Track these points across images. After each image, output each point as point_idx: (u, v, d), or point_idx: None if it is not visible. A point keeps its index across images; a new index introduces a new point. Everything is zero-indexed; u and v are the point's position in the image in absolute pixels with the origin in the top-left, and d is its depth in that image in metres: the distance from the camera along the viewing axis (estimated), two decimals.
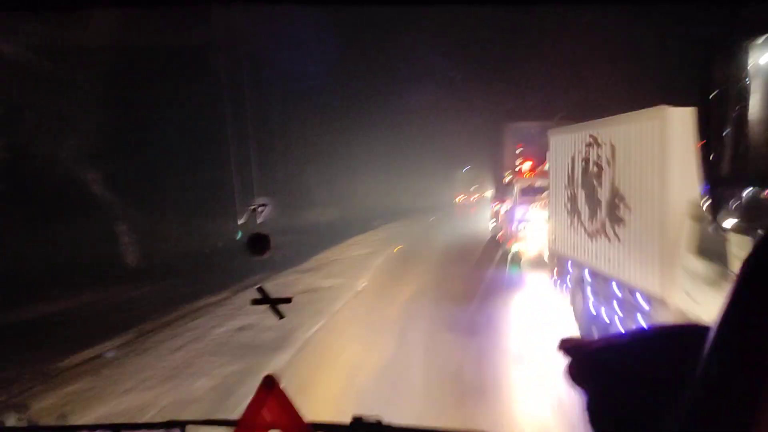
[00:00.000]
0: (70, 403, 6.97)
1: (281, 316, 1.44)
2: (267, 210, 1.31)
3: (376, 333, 9.63)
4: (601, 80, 16.61)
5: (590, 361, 0.79)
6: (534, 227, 14.61)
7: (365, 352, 8.60)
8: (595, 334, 7.88)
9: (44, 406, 6.81)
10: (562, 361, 0.81)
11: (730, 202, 0.85)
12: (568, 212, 10.25)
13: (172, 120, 16.72)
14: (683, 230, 6.12)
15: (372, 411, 1.48)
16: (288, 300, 1.59)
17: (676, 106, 6.43)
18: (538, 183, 15.40)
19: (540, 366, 7.37)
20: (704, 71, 0.84)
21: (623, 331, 0.83)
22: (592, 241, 8.81)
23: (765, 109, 0.82)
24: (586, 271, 9.13)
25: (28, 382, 7.76)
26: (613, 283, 7.96)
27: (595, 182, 8.76)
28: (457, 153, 54.66)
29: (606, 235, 8.24)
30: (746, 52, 0.80)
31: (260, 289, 1.54)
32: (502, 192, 20.62)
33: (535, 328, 9.35)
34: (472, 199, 47.78)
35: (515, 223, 15.63)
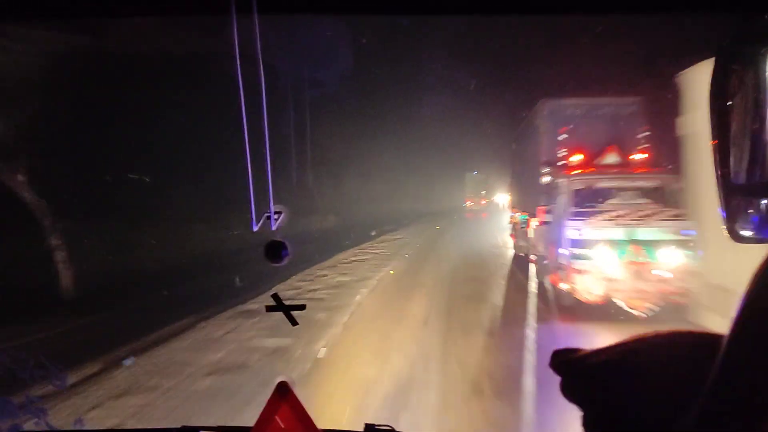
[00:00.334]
0: None
1: (294, 323, 1.45)
2: (282, 217, 1.32)
3: None
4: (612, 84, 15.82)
5: (586, 377, 0.76)
6: (602, 257, 9.21)
7: None
8: None
9: None
10: (556, 377, 0.79)
11: (748, 212, 0.84)
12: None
13: (188, 127, 16.84)
14: None
15: None
16: (302, 307, 1.59)
17: None
18: (610, 182, 10.17)
19: None
20: (720, 77, 0.83)
21: (617, 342, 0.80)
22: None
23: None
24: None
25: None
26: None
27: None
28: (464, 157, 54.16)
29: None
30: (764, 58, 0.79)
31: (275, 296, 1.55)
32: (528, 196, 14.53)
33: None
34: (483, 202, 47.26)
35: (564, 248, 9.70)
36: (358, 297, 12.14)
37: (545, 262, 11.39)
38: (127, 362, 7.98)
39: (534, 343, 7.85)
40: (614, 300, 9.23)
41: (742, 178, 0.83)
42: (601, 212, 9.61)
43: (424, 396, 6.35)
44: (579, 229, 9.54)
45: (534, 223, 13.02)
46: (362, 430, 1.44)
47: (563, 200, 10.30)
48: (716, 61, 0.83)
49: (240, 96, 1.23)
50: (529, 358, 7.15)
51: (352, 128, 36.27)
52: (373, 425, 1.44)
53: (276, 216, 1.33)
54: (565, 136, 12.29)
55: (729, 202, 0.85)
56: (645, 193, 9.92)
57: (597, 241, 9.33)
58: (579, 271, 9.34)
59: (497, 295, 12.10)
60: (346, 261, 18.48)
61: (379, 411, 5.95)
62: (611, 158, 11.23)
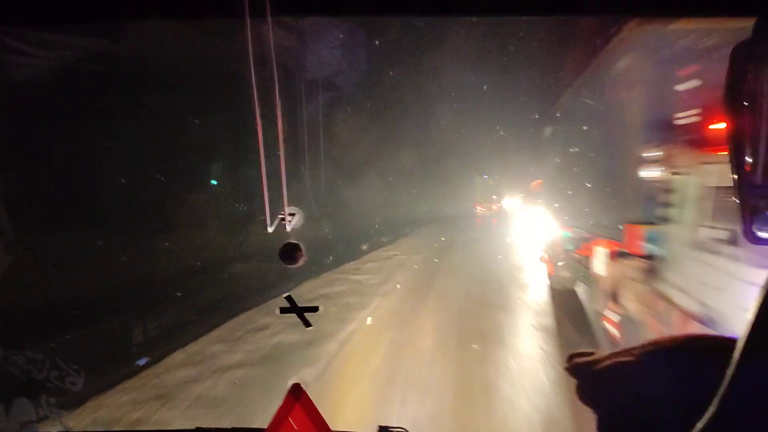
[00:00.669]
0: None
1: (308, 325, 1.46)
2: (297, 218, 1.33)
3: None
4: None
5: (603, 381, 0.75)
6: None
7: None
8: None
9: None
10: (572, 381, 0.77)
11: (766, 213, 0.83)
12: None
13: (205, 132, 16.94)
14: None
15: None
16: (316, 309, 1.59)
17: None
18: None
19: None
20: (736, 77, 0.83)
21: (633, 346, 0.78)
22: None
23: None
24: None
25: None
26: None
27: None
28: (473, 160, 53.50)
29: None
30: None
31: (288, 298, 1.56)
32: (592, 203, 8.88)
33: None
34: (494, 208, 46.62)
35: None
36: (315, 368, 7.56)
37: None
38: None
39: None
40: None
41: (759, 178, 0.82)
42: None
43: None
44: None
45: (602, 252, 7.62)
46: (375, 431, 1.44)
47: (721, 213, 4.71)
48: (732, 61, 0.82)
49: (254, 97, 1.24)
50: None
51: (353, 130, 35.86)
52: (387, 427, 1.44)
53: (290, 218, 1.34)
54: (695, 84, 5.85)
55: (746, 203, 0.84)
56: None
57: None
58: None
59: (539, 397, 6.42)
60: (309, 297, 12.40)
61: None
62: None
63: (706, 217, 4.98)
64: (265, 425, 1.46)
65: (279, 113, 1.37)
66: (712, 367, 0.56)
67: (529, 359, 7.85)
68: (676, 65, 6.20)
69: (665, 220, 5.98)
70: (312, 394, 1.39)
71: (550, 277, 11.83)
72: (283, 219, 1.34)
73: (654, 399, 0.70)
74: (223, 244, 15.50)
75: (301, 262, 1.30)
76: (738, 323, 3.75)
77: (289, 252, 1.33)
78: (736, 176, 0.84)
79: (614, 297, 7.21)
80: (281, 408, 1.43)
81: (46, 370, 4.33)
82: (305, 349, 8.29)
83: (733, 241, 4.47)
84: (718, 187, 4.77)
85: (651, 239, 6.15)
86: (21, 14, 1.20)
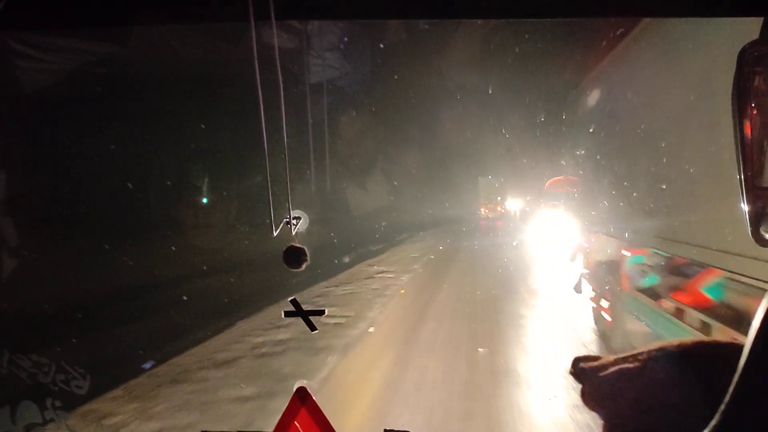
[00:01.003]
0: None
1: (313, 328, 1.46)
2: (302, 222, 1.32)
3: None
4: None
5: (607, 385, 0.75)
6: None
7: None
8: None
9: None
10: (576, 385, 0.77)
11: None
12: None
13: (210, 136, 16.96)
14: None
15: None
16: (321, 312, 1.59)
17: None
18: None
19: None
20: (742, 79, 0.82)
21: (639, 350, 0.77)
22: None
23: None
24: None
25: None
26: None
27: None
28: (477, 161, 53.06)
29: None
30: None
31: (294, 301, 1.56)
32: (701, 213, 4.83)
33: None
34: (499, 209, 46.09)
35: None
36: None
37: None
38: None
39: None
40: None
41: (766, 180, 0.82)
42: None
43: None
44: None
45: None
46: None
47: None
48: (739, 64, 0.81)
49: (259, 98, 1.24)
50: None
51: (354, 133, 35.56)
52: (392, 431, 1.44)
53: (295, 221, 1.34)
54: None
55: (753, 205, 0.84)
56: None
57: None
58: None
59: None
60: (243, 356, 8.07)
61: None
62: None
63: None
64: (270, 429, 1.46)
65: (283, 114, 1.37)
66: (716, 374, 0.56)
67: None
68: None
69: None
70: None
71: (607, 329, 7.29)
72: (288, 223, 1.34)
73: (659, 405, 0.69)
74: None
75: (303, 267, 1.30)
76: None
77: (294, 255, 1.33)
78: (743, 178, 0.84)
79: None
80: (286, 411, 1.43)
81: (51, 373, 4.34)
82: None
83: None
84: None
85: None
86: (27, 18, 1.21)
